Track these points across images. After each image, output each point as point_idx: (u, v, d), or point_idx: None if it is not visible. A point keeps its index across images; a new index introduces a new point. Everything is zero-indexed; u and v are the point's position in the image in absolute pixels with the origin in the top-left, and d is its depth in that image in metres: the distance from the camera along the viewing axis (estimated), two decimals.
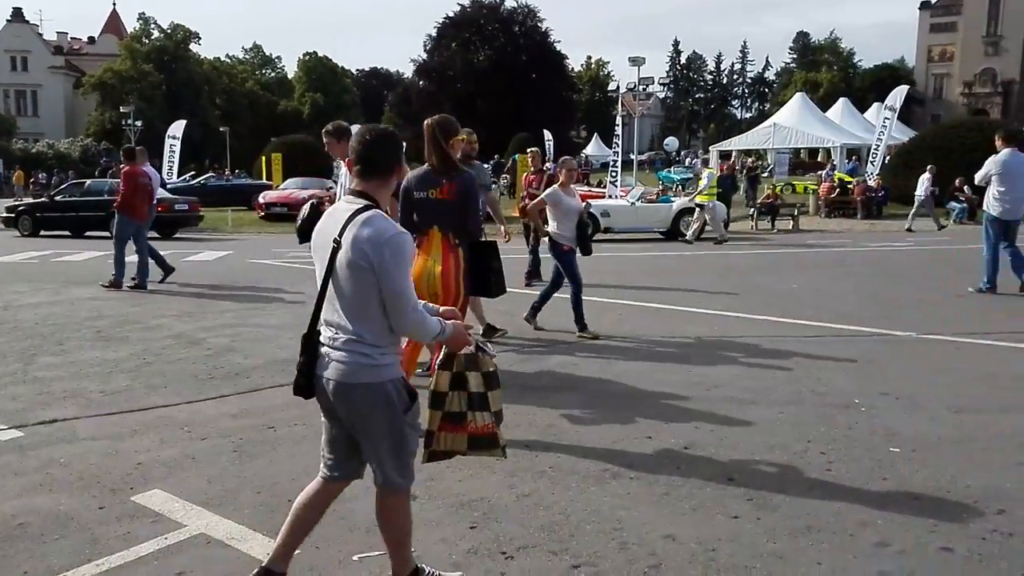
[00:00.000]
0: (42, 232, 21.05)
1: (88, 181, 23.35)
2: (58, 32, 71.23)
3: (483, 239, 5.33)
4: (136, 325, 8.45)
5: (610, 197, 23.19)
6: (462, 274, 5.06)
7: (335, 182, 6.41)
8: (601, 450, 4.74)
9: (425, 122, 5.11)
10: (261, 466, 4.51)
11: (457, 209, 5.01)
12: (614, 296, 10.11)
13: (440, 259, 5.02)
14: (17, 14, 65.72)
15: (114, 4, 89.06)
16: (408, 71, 69.19)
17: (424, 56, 62.95)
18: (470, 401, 3.10)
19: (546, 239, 8.03)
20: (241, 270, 13.50)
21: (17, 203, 24.04)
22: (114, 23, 69.97)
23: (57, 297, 10.31)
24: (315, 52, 73.90)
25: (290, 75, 79.44)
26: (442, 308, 3.16)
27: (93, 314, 9.09)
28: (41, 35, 67.74)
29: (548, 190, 8.10)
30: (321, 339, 2.94)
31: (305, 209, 6.28)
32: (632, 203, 19.53)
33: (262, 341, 7.72)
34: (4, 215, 21.99)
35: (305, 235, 6.87)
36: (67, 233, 20.91)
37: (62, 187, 24.63)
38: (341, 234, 2.81)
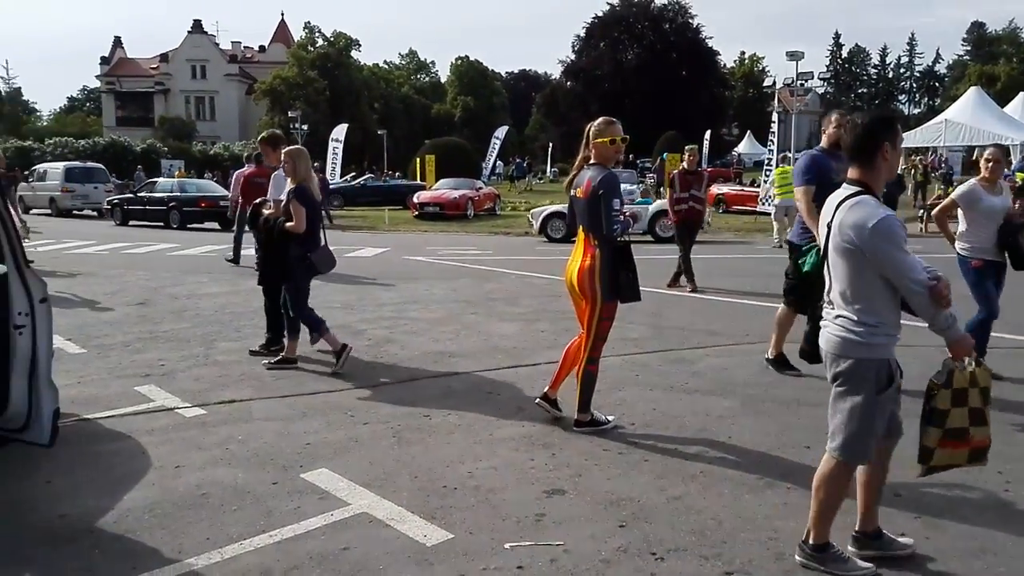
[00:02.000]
0: (130, 222, 24.52)
1: (159, 180, 27.27)
2: (232, 41, 76.72)
3: (621, 241, 5.17)
4: None
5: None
6: (596, 276, 4.92)
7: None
8: (756, 457, 4.61)
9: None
10: (417, 452, 4.70)
11: (593, 208, 4.96)
12: (765, 300, 9.78)
13: (580, 258, 4.97)
14: (197, 26, 71.35)
15: (282, 14, 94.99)
16: (556, 72, 69.67)
17: (572, 57, 63.20)
18: (971, 416, 3.12)
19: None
20: (397, 266, 14.09)
21: (112, 197, 27.31)
22: (283, 32, 74.60)
23: (234, 288, 11.14)
24: (467, 56, 75.82)
25: (442, 79, 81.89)
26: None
27: (248, 309, 9.76)
28: (218, 45, 73.19)
29: (962, 187, 6.24)
30: (823, 313, 3.23)
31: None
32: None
33: (417, 334, 8.03)
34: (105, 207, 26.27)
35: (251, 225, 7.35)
36: (154, 224, 23.66)
37: (143, 184, 27.98)
38: (831, 219, 3.09)
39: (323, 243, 6.66)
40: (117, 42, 73.62)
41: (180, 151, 50.86)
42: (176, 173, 42.28)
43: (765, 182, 24.86)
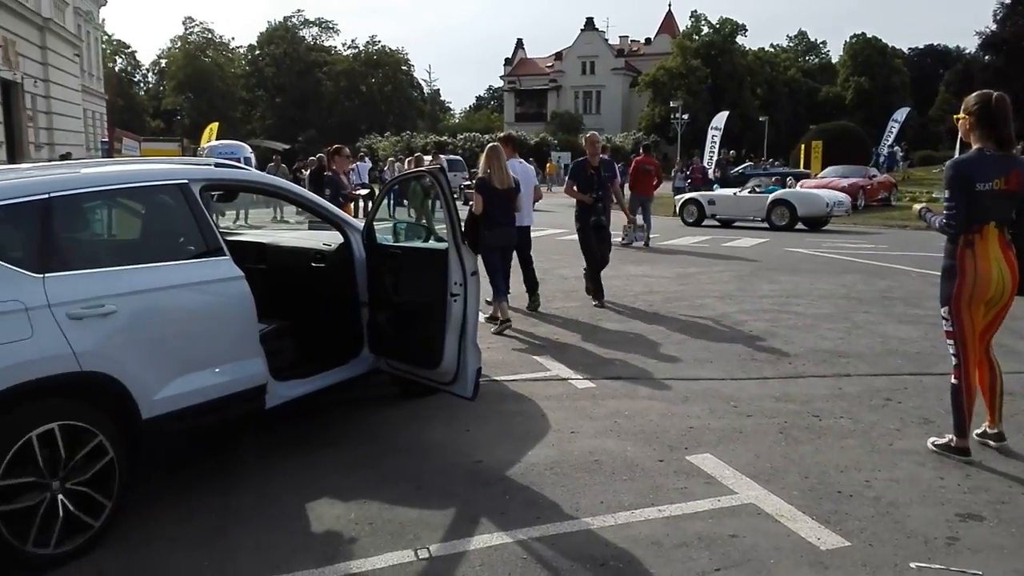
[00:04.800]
0: None
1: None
2: (620, 36, 79.83)
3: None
4: (683, 303, 9.13)
5: None
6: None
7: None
8: None
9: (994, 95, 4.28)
10: (807, 452, 4.50)
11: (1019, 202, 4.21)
12: None
13: (999, 257, 4.23)
14: (589, 24, 75.47)
15: (669, 5, 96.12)
16: (971, 46, 61.09)
17: (992, 27, 54.82)
18: None
19: None
20: (777, 257, 13.58)
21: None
22: (669, 24, 75.70)
23: (611, 272, 11.67)
24: (863, 33, 69.91)
25: (833, 60, 76.59)
26: None
27: (645, 289, 10.09)
28: (607, 40, 76.71)
29: None
30: None
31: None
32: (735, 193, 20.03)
33: (801, 329, 7.68)
34: None
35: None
36: None
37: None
38: None
39: (510, 223, 7.62)
40: (519, 44, 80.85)
41: (567, 143, 54.44)
42: (548, 165, 45.36)
43: None
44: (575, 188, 8.77)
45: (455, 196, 5.25)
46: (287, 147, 45.12)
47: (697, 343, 7.13)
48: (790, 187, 20.22)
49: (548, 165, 45.31)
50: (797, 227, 18.55)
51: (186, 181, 4.19)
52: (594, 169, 8.75)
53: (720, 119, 33.89)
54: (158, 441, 3.81)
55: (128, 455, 3.62)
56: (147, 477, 3.95)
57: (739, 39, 64.05)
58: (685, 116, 42.88)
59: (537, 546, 3.46)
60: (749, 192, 19.94)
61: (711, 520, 3.67)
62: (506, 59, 79.33)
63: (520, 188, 7.65)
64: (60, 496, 3.35)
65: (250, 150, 27.58)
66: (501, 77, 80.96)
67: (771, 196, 19.09)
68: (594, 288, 8.95)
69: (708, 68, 59.84)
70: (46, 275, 3.42)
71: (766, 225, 18.86)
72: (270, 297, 4.49)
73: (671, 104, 46.01)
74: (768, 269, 11.95)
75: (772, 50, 75.13)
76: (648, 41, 78.22)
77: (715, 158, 32.26)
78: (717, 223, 20.11)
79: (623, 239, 8.44)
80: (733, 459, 4.38)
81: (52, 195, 3.60)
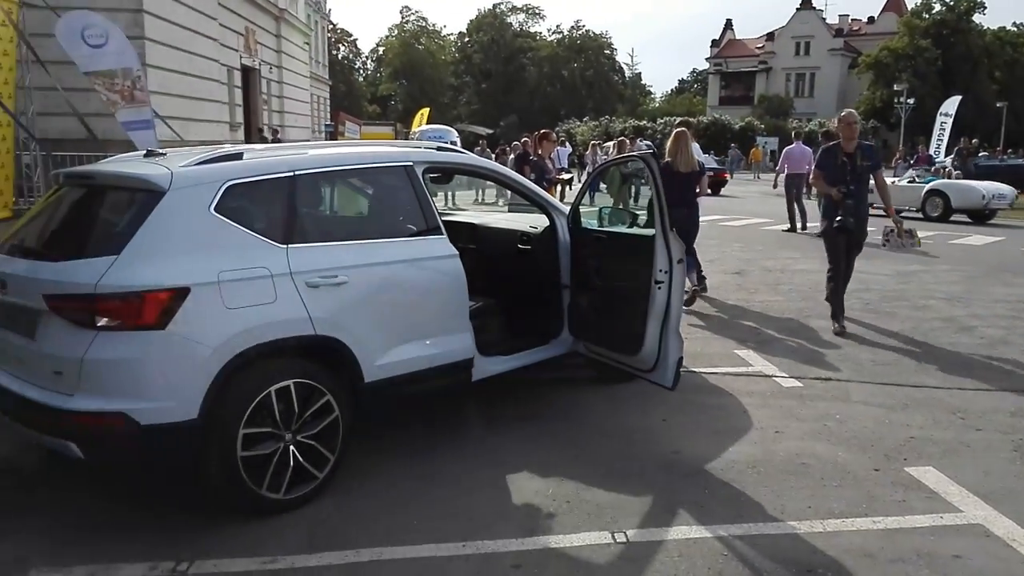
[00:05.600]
0: None
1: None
2: (840, 15, 74.77)
3: None
4: (903, 303, 8.47)
5: None
6: None
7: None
8: None
9: None
10: None
11: None
12: None
13: None
14: (806, 2, 71.27)
15: None
16: None
17: None
18: None
19: None
20: (1014, 258, 12.23)
21: None
22: (895, 1, 70.02)
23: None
24: None
25: None
26: None
27: (860, 286, 9.43)
28: (824, 20, 72.12)
29: None
30: None
31: None
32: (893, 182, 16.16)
33: None
34: None
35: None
36: None
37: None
38: None
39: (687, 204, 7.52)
40: (728, 24, 77.99)
41: (775, 128, 51.94)
42: (753, 151, 43.23)
43: None
44: (822, 180, 7.09)
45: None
46: (490, 131, 46.49)
47: (920, 347, 6.59)
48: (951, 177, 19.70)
49: (753, 151, 43.51)
50: (953, 219, 17.65)
51: (411, 163, 4.43)
52: (847, 156, 6.93)
53: (951, 104, 30.91)
54: (375, 404, 4.08)
55: (350, 415, 3.91)
56: (366, 435, 4.25)
57: (976, 17, 57.94)
58: (910, 100, 39.51)
59: (738, 544, 3.37)
60: (908, 182, 19.13)
61: (932, 537, 3.40)
62: (713, 40, 76.79)
63: (703, 171, 7.80)
64: (291, 447, 3.69)
65: (456, 134, 28.74)
66: (707, 59, 78.56)
67: (926, 187, 18.39)
68: (833, 305, 7.23)
69: (938, 49, 54.67)
70: (289, 246, 3.75)
71: (920, 216, 17.77)
72: (478, 276, 4.66)
73: (895, 87, 42.52)
74: (1003, 270, 10.79)
75: (1015, 29, 67.37)
76: (871, 20, 72.77)
77: (943, 146, 29.51)
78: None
79: (883, 242, 7.23)
80: (958, 475, 4.02)
81: (296, 173, 3.94)
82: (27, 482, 3.99)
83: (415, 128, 31.57)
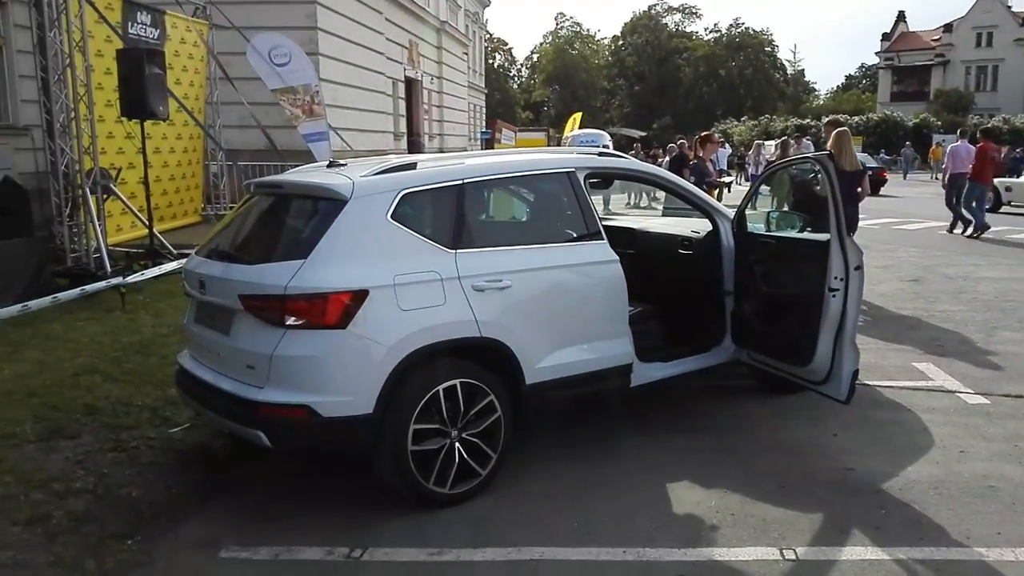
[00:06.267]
0: None
1: None
2: None
3: None
4: None
5: None
6: None
7: None
8: None
9: None
10: None
11: None
12: None
13: None
14: None
15: None
16: None
17: None
18: None
19: None
20: None
21: None
22: None
23: (1013, 273, 10.14)
24: None
25: None
26: None
27: None
28: (1010, 8, 66.22)
29: None
30: None
31: None
32: None
33: None
34: None
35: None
36: None
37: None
38: None
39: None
40: (900, 16, 73.28)
41: (952, 124, 48.20)
42: (932, 150, 40.01)
43: None
44: None
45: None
46: (643, 134, 46.00)
47: None
48: None
49: (933, 149, 40.55)
50: None
51: (573, 169, 4.48)
52: None
53: None
54: (535, 406, 4.15)
55: (512, 415, 4.00)
56: (526, 437, 4.33)
57: None
58: None
59: (919, 568, 3.17)
60: None
61: None
62: (884, 34, 72.24)
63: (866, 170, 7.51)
64: (457, 444, 3.82)
65: (608, 138, 28.64)
66: (876, 53, 74.09)
67: None
68: None
69: None
70: (457, 251, 3.89)
71: None
72: (638, 280, 4.63)
73: None
74: None
75: None
76: None
77: None
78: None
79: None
80: None
81: (465, 181, 4.08)
82: (217, 468, 4.33)
83: (567, 133, 31.73)
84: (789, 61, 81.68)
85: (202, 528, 3.68)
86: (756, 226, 5.07)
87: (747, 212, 5.07)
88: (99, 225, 8.98)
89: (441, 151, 28.01)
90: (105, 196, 9.42)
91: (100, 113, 9.57)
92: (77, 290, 7.41)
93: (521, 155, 5.17)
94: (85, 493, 3.84)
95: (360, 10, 18.42)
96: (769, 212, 5.23)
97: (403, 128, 24.82)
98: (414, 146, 22.18)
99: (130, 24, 10.69)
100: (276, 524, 3.70)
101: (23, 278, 7.53)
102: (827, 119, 9.15)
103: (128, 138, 10.50)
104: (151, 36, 11.16)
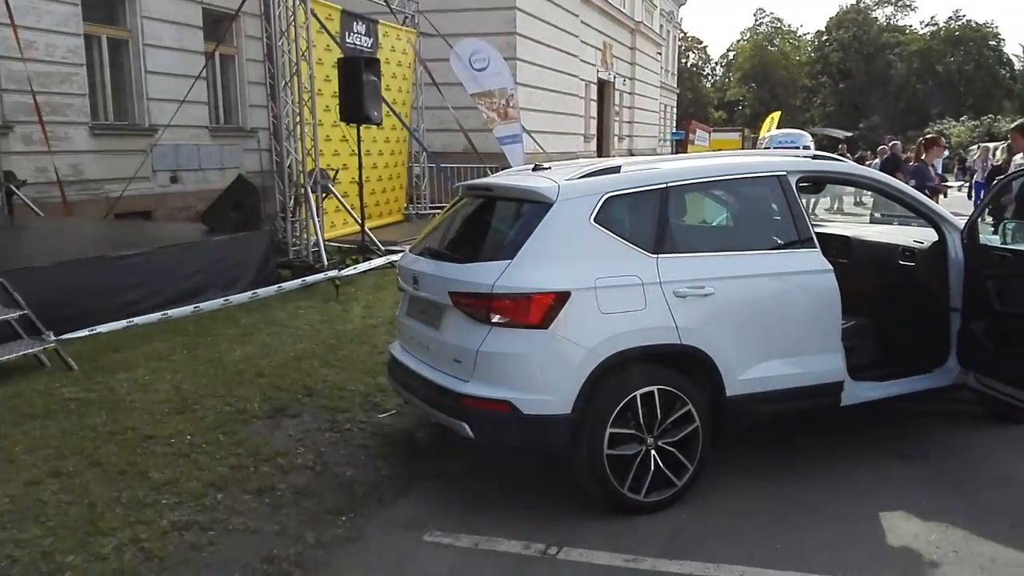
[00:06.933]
0: None
1: None
2: None
3: None
4: None
5: None
6: None
7: None
8: None
9: None
10: None
11: None
12: None
13: None
14: None
15: None
16: None
17: None
18: None
19: None
20: None
21: None
22: None
23: None
24: None
25: None
26: None
27: None
28: None
29: None
30: None
31: None
32: None
33: None
34: None
35: None
36: None
37: None
38: None
39: None
40: None
41: None
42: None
43: None
44: None
45: None
46: (849, 135, 43.31)
47: None
48: None
49: None
50: None
51: (784, 172, 4.29)
52: None
53: None
54: (736, 419, 4.01)
55: (710, 427, 3.89)
56: (724, 451, 4.20)
57: None
58: None
59: None
60: None
61: None
62: None
63: None
64: (653, 452, 3.77)
65: (809, 138, 27.22)
66: None
67: None
68: None
69: None
70: (659, 256, 3.84)
71: None
72: (852, 293, 4.36)
73: None
74: None
75: None
76: None
77: None
78: None
79: None
80: None
81: (669, 184, 4.02)
82: (420, 454, 4.56)
83: (764, 133, 30.56)
84: (1017, 56, 73.73)
85: (408, 511, 3.88)
86: (990, 237, 4.62)
87: (979, 222, 4.63)
88: (318, 221, 9.72)
89: (630, 153, 27.87)
90: (324, 195, 10.18)
91: (319, 118, 10.36)
92: (298, 281, 8.08)
93: (727, 158, 5.03)
94: (305, 469, 4.17)
95: (557, 14, 18.70)
96: (1005, 222, 4.74)
97: (593, 130, 24.94)
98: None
99: (347, 33, 11.49)
100: (476, 513, 3.83)
101: (252, 268, 8.31)
102: (1016, 123, 8.17)
103: (342, 141, 11.30)
104: (365, 45, 11.94)
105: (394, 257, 9.20)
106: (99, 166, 11.13)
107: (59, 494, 3.76)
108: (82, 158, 10.95)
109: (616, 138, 27.96)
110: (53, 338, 5.68)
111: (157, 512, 3.62)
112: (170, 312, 6.70)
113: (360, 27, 11.87)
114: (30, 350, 5.57)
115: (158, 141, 11.49)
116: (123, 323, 6.32)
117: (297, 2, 9.58)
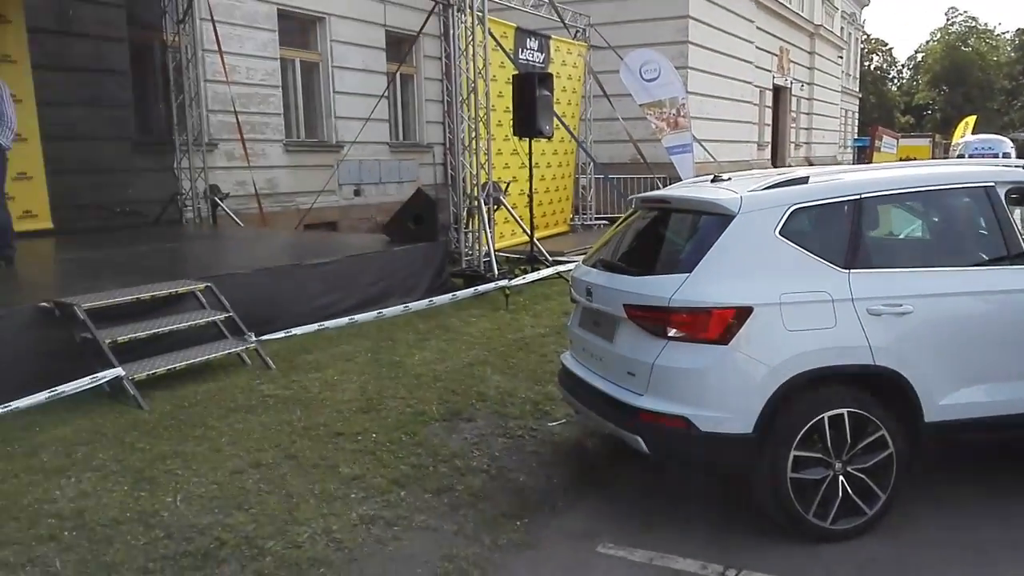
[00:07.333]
0: None
1: None
2: None
3: None
4: None
5: None
6: None
7: None
8: None
9: None
10: None
11: None
12: None
13: None
14: None
15: None
16: None
17: None
18: None
19: None
20: None
21: None
22: None
23: None
24: None
25: None
26: None
27: None
28: None
29: None
30: None
31: None
32: None
33: None
34: None
35: None
36: None
37: None
38: None
39: None
40: None
41: None
42: None
43: None
44: None
45: None
46: None
47: None
48: None
49: None
50: None
51: (992, 183, 3.96)
52: None
53: None
54: (936, 446, 3.73)
55: (907, 453, 3.64)
56: (929, 479, 3.91)
57: None
58: None
59: None
60: None
61: None
62: None
63: None
64: (841, 477, 3.57)
65: (1010, 144, 24.90)
66: None
67: None
68: None
69: None
70: (851, 271, 3.65)
71: None
72: None
73: None
74: None
75: None
76: None
77: None
78: None
79: None
80: None
81: (863, 196, 3.81)
82: (589, 464, 4.56)
83: (957, 139, 28.28)
84: None
85: (581, 521, 3.89)
86: None
87: None
88: (489, 233, 9.99)
89: (808, 161, 26.65)
90: (495, 207, 10.45)
91: (491, 132, 10.64)
92: (471, 290, 8.33)
93: (926, 168, 4.69)
94: (480, 472, 4.28)
95: (731, 21, 18.22)
96: None
97: (767, 137, 24.04)
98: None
99: (520, 50, 11.75)
100: (649, 528, 3.78)
101: (427, 277, 8.67)
102: None
103: (513, 154, 11.55)
104: (537, 60, 12.17)
105: (561, 268, 9.30)
106: (291, 180, 12.03)
107: (259, 483, 4.06)
108: (276, 173, 11.89)
109: (792, 145, 26.82)
110: (254, 339, 6.17)
111: (347, 505, 3.84)
112: (356, 317, 7.11)
113: (533, 43, 12.11)
114: (234, 349, 6.07)
115: (344, 157, 12.25)
116: (315, 326, 6.78)
117: (475, 22, 9.90)
